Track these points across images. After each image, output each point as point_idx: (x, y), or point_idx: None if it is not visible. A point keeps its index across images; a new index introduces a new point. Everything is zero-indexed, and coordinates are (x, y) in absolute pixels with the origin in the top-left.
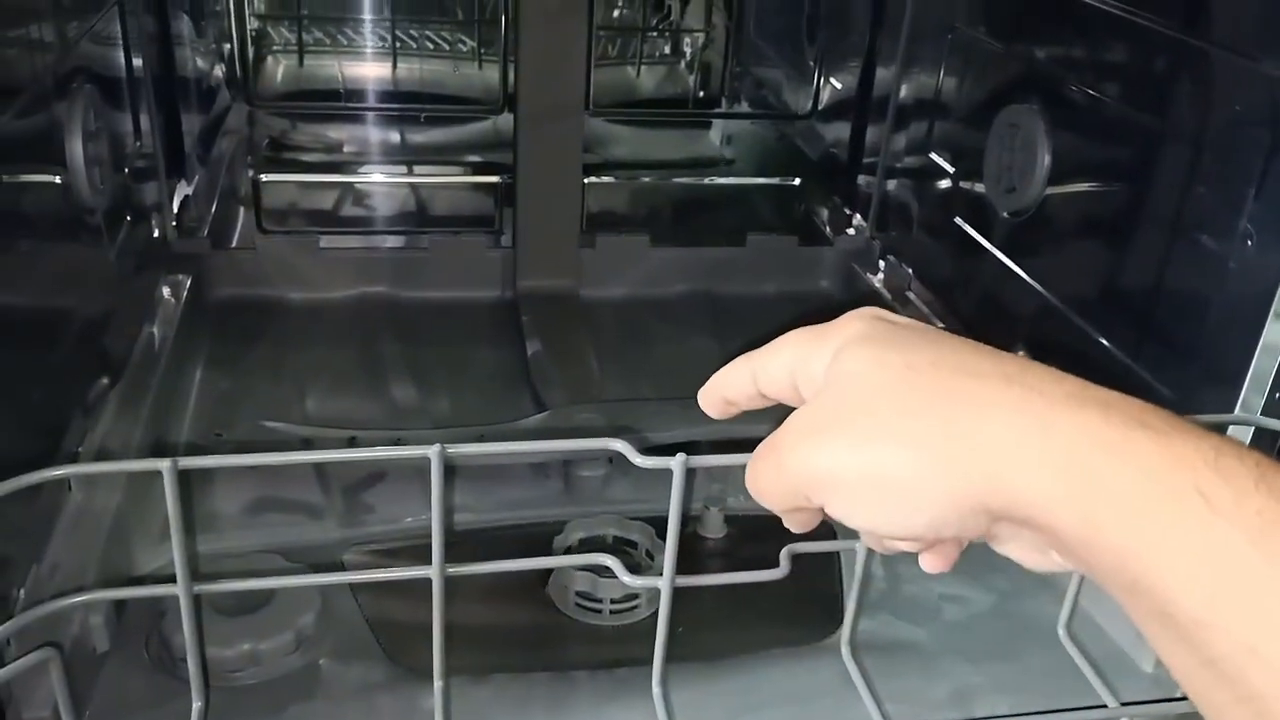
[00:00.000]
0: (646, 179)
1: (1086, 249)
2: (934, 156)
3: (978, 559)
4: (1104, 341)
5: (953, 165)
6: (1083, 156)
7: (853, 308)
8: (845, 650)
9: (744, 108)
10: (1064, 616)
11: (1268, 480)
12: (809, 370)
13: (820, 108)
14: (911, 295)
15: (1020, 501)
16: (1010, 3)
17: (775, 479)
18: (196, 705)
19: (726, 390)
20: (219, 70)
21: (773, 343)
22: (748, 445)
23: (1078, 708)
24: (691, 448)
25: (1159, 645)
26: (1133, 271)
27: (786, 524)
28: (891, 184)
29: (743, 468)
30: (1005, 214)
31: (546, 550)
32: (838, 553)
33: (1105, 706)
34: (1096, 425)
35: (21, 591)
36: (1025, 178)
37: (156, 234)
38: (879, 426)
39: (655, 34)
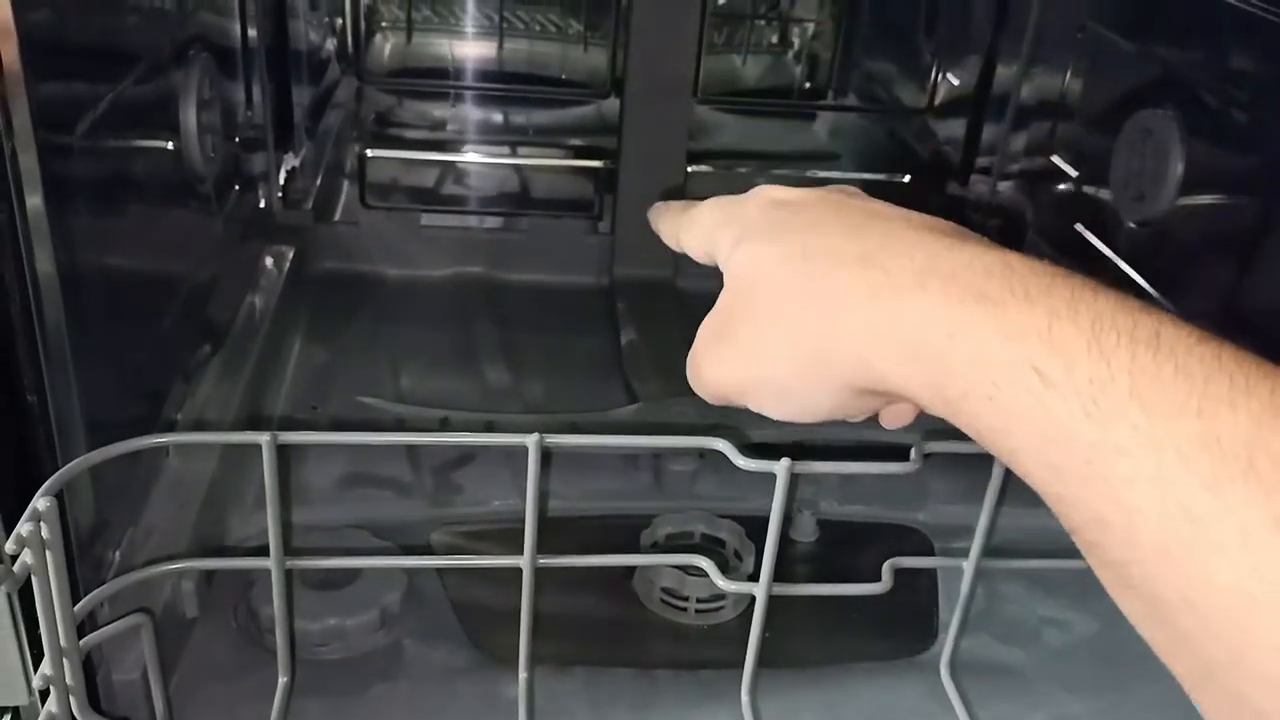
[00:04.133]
0: (744, 170)
1: (1219, 264)
2: (1055, 159)
3: (1083, 583)
4: None
5: (1075, 169)
6: (1220, 166)
7: None
8: (944, 671)
9: (851, 101)
10: None
11: (1100, 342)
12: (717, 254)
13: (935, 103)
14: None
15: (891, 386)
16: (1146, 2)
17: (702, 388)
18: (283, 681)
19: (662, 233)
20: (330, 44)
21: (693, 212)
22: (850, 451)
23: None
24: (783, 448)
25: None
26: (1269, 291)
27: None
28: (1006, 185)
29: (842, 477)
30: (1131, 223)
31: (633, 542)
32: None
33: None
34: (936, 304)
35: (117, 554)
36: (1156, 186)
37: (262, 204)
38: (762, 334)
39: (764, 23)
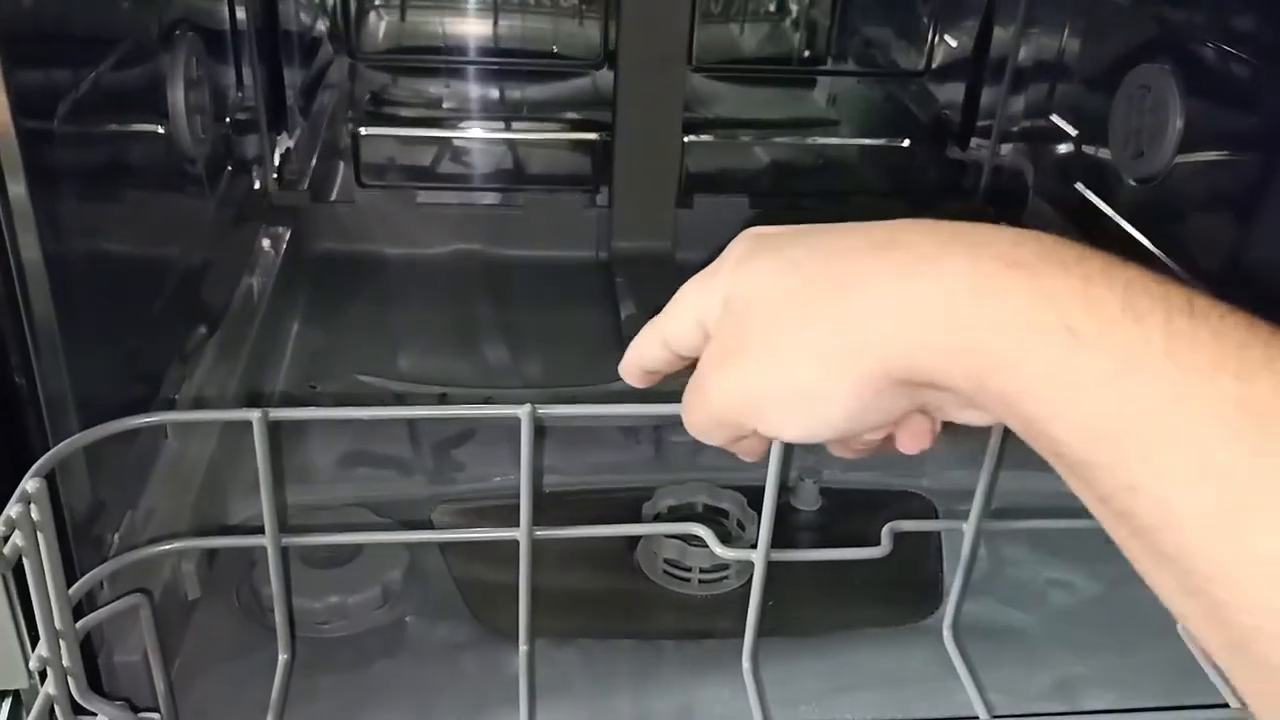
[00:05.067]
0: (746, 138)
1: (1220, 219)
2: (1055, 119)
3: (1089, 545)
4: None
5: (1075, 128)
6: (1219, 120)
7: None
8: (947, 634)
9: (850, 67)
10: None
11: (1134, 305)
12: (708, 310)
13: (934, 67)
14: None
15: (915, 365)
16: None
17: (703, 415)
18: (283, 658)
19: (644, 362)
20: (321, 24)
21: (671, 301)
22: None
23: (1196, 705)
24: None
25: (1071, 486)
26: (1270, 247)
27: (739, 455)
28: (1006, 147)
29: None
30: (1131, 180)
31: (635, 516)
32: (937, 531)
33: (1227, 706)
34: (965, 272)
35: (116, 536)
36: (1155, 142)
37: (257, 186)
38: (775, 338)
39: None
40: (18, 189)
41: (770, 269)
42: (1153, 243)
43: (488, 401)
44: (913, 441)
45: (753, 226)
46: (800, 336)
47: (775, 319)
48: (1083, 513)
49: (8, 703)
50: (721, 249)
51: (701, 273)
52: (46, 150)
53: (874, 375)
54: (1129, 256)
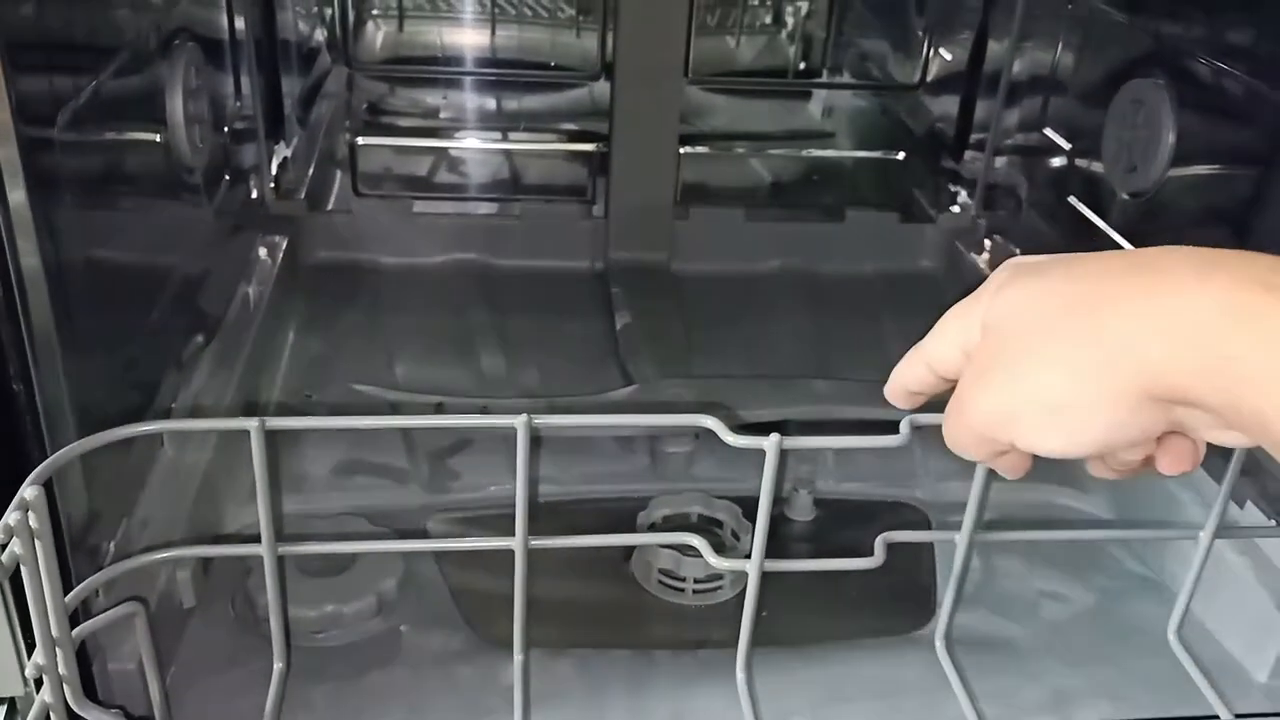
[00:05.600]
0: (741, 150)
1: (1212, 234)
2: (1048, 133)
3: (1081, 557)
4: None
5: (1069, 142)
6: (1211, 135)
7: (955, 288)
8: (940, 645)
9: (846, 80)
10: (1175, 621)
11: None
12: (972, 336)
13: (928, 80)
14: None
15: (1171, 383)
16: None
17: (962, 430)
18: (278, 667)
19: (908, 384)
20: (319, 34)
21: (935, 327)
22: (840, 427)
23: (1188, 717)
24: (781, 427)
25: None
26: None
27: (1001, 472)
28: (1000, 161)
29: (836, 451)
30: (1124, 194)
31: (630, 525)
32: (931, 542)
33: (1218, 718)
34: (1223, 294)
35: (112, 544)
36: (1148, 157)
37: (254, 195)
38: (1032, 353)
39: (757, 3)
40: (18, 196)
41: (1028, 293)
42: None
43: (484, 411)
44: (1174, 463)
45: (1013, 259)
46: (1055, 351)
47: (1032, 336)
48: (1075, 524)
49: (3, 710)
50: (715, 260)
51: (964, 300)
52: (47, 158)
53: (1127, 390)
54: None
